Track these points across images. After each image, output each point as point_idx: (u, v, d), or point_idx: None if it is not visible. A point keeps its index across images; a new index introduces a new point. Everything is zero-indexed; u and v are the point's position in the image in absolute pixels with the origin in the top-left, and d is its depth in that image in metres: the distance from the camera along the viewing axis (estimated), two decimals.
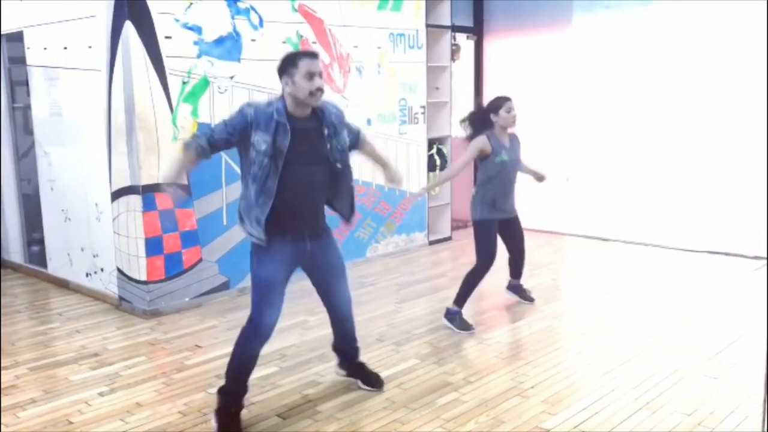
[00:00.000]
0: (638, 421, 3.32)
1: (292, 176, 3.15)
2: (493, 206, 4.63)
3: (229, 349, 4.29)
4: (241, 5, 5.31)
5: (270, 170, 3.12)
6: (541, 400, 3.56)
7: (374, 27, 6.38)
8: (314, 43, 5.85)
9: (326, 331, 4.58)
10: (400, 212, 6.87)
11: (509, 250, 5.01)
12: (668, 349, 4.24)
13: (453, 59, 7.45)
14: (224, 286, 5.43)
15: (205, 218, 5.25)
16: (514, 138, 4.77)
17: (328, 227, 3.46)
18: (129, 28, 4.73)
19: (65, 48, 5.32)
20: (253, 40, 5.41)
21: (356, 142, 3.58)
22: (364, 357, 4.12)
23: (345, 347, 3.78)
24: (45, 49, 5.52)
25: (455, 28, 7.46)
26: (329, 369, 3.97)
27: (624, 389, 3.68)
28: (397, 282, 5.89)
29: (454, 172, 4.87)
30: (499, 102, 4.61)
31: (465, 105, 8.12)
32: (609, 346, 4.30)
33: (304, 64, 3.11)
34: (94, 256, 5.46)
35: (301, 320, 4.78)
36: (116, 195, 5.08)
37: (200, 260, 5.27)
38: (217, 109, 5.22)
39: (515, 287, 5.22)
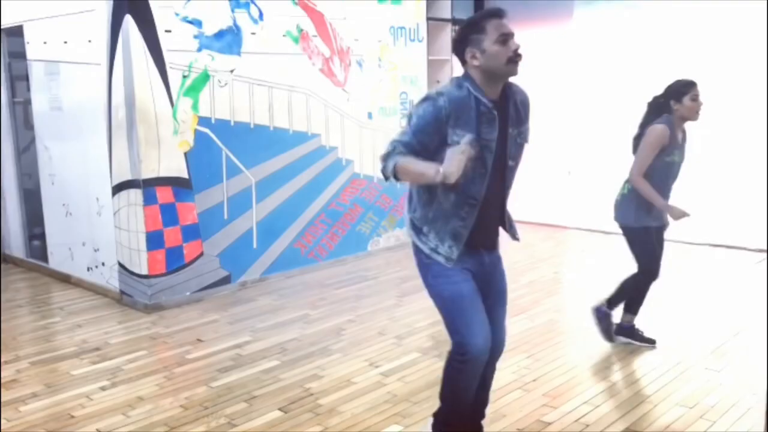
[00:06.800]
0: (640, 414, 3.32)
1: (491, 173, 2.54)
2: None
3: (231, 342, 4.36)
4: None
5: (476, 173, 2.48)
6: (543, 394, 3.56)
7: (375, 20, 6.36)
8: (315, 36, 5.83)
9: (327, 325, 4.61)
10: (401, 206, 6.86)
11: None
12: (670, 341, 4.23)
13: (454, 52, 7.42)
14: (225, 281, 5.42)
15: (206, 212, 5.24)
16: None
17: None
18: (129, 22, 4.72)
19: (65, 42, 5.31)
20: (253, 34, 5.39)
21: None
22: (365, 351, 4.13)
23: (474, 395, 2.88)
24: (45, 43, 5.51)
25: (456, 21, 7.44)
26: (331, 362, 3.96)
27: (625, 382, 3.68)
28: (398, 276, 5.88)
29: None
30: None
31: None
32: None
33: (492, 27, 2.43)
34: (95, 251, 5.46)
35: (303, 314, 4.78)
36: (117, 189, 5.08)
37: (201, 254, 5.27)
38: (218, 103, 5.22)
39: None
